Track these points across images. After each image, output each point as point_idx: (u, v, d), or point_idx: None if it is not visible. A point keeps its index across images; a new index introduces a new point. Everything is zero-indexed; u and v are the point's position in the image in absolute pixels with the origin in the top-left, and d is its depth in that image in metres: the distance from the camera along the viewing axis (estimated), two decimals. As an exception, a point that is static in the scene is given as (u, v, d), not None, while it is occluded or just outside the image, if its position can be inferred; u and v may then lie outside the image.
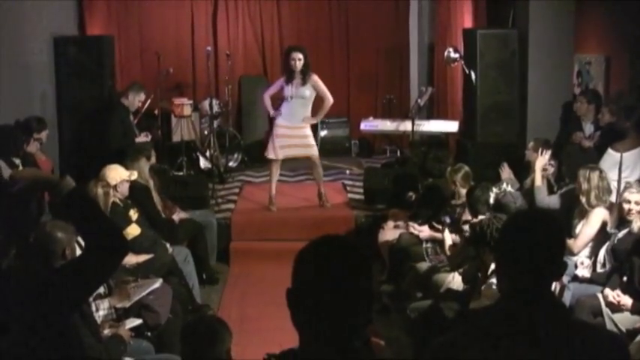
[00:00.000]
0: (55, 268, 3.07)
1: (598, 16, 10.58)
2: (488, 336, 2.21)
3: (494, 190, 6.80)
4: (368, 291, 2.01)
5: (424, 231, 7.38)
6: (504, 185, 6.93)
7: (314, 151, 9.15)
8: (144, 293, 5.59)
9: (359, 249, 2.05)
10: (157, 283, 5.84)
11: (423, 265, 6.92)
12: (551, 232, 2.34)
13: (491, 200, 6.66)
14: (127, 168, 7.12)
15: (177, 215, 7.99)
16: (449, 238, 6.66)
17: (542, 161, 7.18)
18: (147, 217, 7.29)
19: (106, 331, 4.88)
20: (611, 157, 7.31)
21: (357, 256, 2.02)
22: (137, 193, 7.28)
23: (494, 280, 4.81)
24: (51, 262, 4.20)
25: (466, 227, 6.05)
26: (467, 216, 6.56)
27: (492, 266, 4.87)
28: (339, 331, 1.95)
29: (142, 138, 9.18)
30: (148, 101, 10.43)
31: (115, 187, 6.74)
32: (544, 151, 7.23)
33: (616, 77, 10.44)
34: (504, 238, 2.42)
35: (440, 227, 6.97)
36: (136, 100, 9.28)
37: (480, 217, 5.98)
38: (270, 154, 9.12)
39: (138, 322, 5.26)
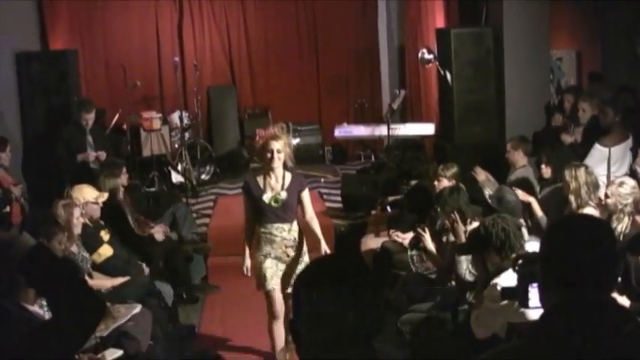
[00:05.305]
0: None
1: (567, 11, 10.50)
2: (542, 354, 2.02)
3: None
4: (380, 306, 1.93)
5: (407, 238, 7.11)
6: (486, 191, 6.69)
7: None
8: (123, 320, 5.30)
9: (364, 267, 1.99)
10: (137, 309, 5.55)
11: (410, 274, 6.65)
12: (611, 236, 2.19)
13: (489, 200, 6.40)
14: (99, 187, 6.86)
15: (160, 230, 7.68)
16: (429, 242, 6.38)
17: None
18: (120, 236, 7.02)
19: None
20: (599, 152, 7.15)
21: (366, 275, 1.94)
22: (108, 211, 7.01)
23: (497, 281, 4.65)
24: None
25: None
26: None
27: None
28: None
29: (85, 156, 8.67)
30: (116, 116, 10.13)
31: (83, 206, 6.43)
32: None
33: (588, 71, 10.35)
34: (559, 246, 2.15)
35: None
36: (84, 117, 8.75)
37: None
38: None
39: (119, 353, 4.94)
